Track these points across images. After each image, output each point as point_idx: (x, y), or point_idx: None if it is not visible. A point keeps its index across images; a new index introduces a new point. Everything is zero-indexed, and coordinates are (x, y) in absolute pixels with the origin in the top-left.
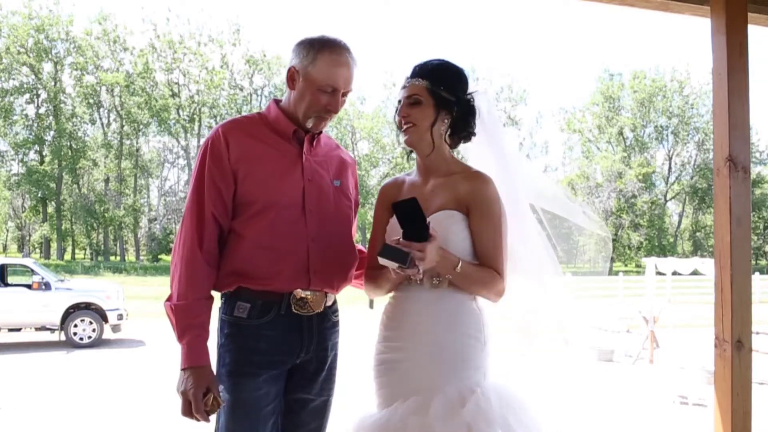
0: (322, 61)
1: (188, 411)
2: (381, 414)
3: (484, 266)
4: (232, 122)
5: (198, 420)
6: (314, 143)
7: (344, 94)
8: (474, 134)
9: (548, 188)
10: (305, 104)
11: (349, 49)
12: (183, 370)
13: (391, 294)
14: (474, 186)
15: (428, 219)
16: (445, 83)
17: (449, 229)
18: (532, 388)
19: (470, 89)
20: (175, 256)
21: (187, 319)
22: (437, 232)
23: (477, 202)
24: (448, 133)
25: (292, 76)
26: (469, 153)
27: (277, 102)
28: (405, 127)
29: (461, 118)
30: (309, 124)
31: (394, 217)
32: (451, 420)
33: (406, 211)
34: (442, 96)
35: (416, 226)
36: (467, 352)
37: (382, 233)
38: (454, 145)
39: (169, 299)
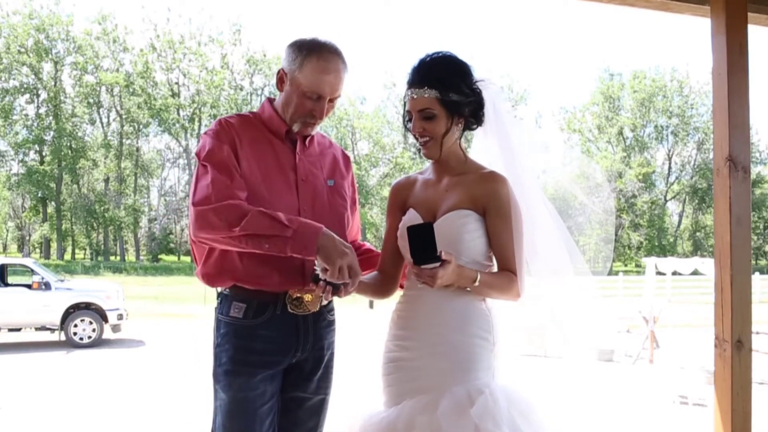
0: (309, 67)
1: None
2: (389, 412)
3: (501, 270)
4: (229, 119)
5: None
6: (307, 143)
7: (332, 100)
8: (482, 123)
9: (557, 185)
10: (291, 108)
11: (339, 53)
12: (318, 248)
13: (401, 293)
14: (492, 187)
15: (442, 219)
16: (454, 87)
17: (463, 228)
18: (538, 389)
19: (476, 78)
20: (199, 207)
21: (264, 218)
22: (452, 255)
23: (495, 203)
24: (462, 133)
25: (281, 78)
26: (476, 146)
27: (271, 101)
28: (422, 141)
29: (472, 115)
30: (295, 128)
31: (405, 218)
32: (458, 419)
33: (419, 235)
34: (453, 102)
35: (427, 255)
36: (476, 353)
37: (394, 235)
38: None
39: (229, 228)
